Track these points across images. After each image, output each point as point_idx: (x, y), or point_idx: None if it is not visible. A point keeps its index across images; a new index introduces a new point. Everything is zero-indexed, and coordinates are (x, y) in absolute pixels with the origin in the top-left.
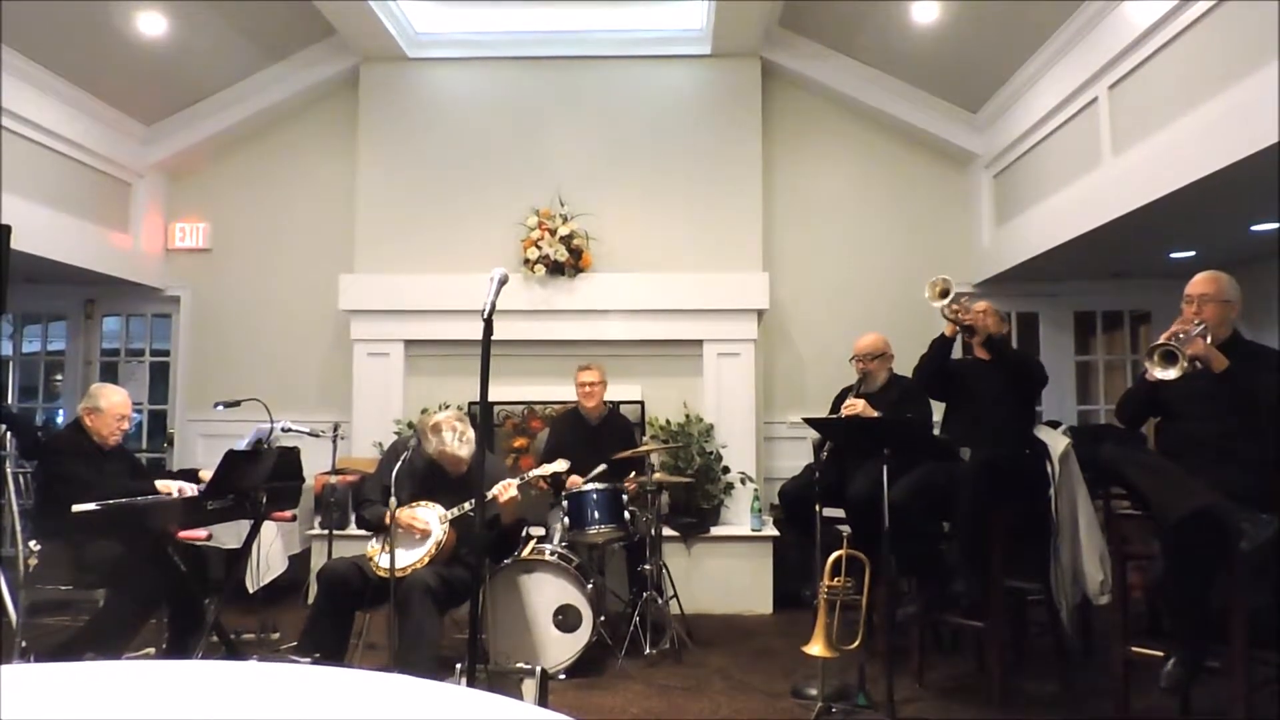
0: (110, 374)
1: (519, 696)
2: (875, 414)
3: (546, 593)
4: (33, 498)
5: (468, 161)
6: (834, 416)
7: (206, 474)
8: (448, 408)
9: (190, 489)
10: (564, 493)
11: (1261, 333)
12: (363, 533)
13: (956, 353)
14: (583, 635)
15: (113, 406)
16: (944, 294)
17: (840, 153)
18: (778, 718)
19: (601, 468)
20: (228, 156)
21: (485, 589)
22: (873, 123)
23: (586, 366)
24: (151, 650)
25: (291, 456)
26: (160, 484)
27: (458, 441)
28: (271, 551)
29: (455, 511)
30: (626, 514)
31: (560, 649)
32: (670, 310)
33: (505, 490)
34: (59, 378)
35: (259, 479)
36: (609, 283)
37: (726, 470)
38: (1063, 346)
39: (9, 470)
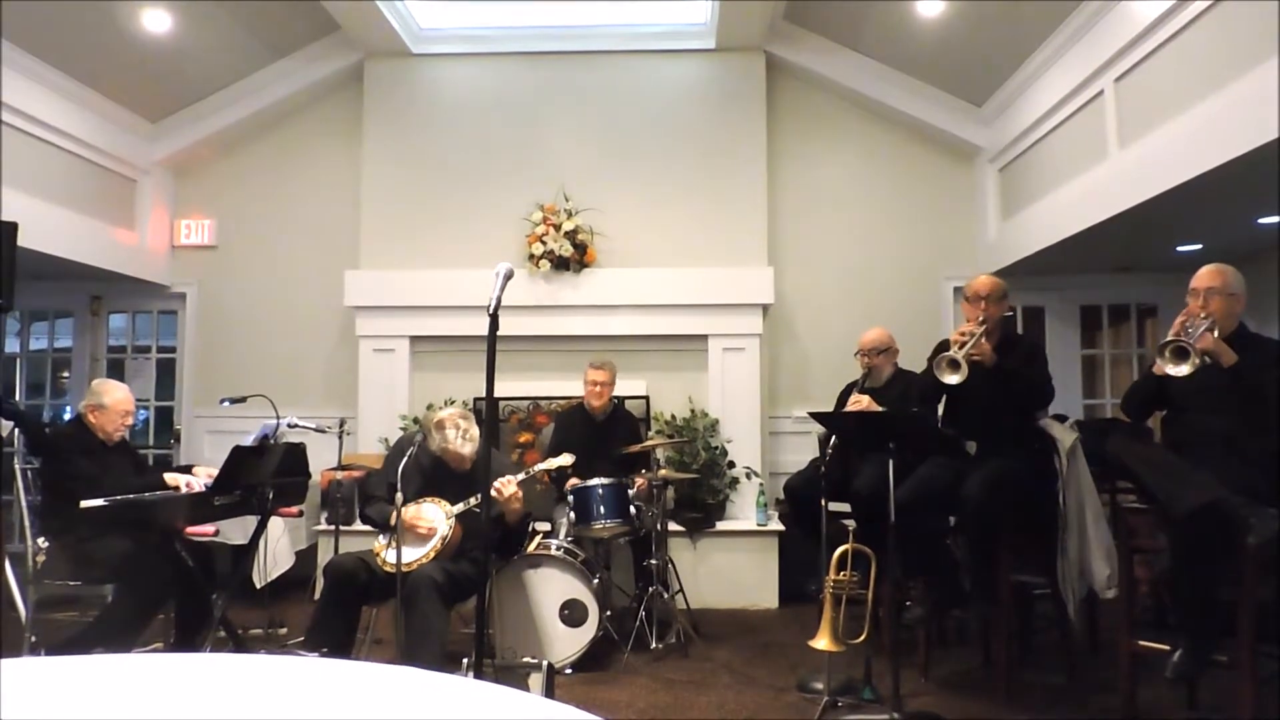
0: (116, 370)
1: (525, 691)
2: (880, 409)
3: (552, 588)
4: (40, 494)
5: (472, 157)
6: (839, 411)
7: (200, 470)
8: (452, 403)
9: (197, 483)
10: (568, 488)
11: (1264, 325)
12: (369, 528)
13: None
14: (589, 630)
15: (116, 403)
16: (954, 366)
17: (845, 147)
18: (783, 713)
19: (599, 480)
20: (233, 153)
21: (491, 584)
22: (877, 117)
23: (599, 366)
24: (159, 645)
25: (298, 452)
26: (169, 477)
27: (461, 439)
28: (278, 547)
29: (461, 507)
30: (632, 509)
31: (566, 644)
32: (675, 305)
33: (505, 487)
34: (65, 374)
35: (265, 475)
36: (614, 278)
37: (732, 465)
38: (1068, 340)
39: (17, 466)
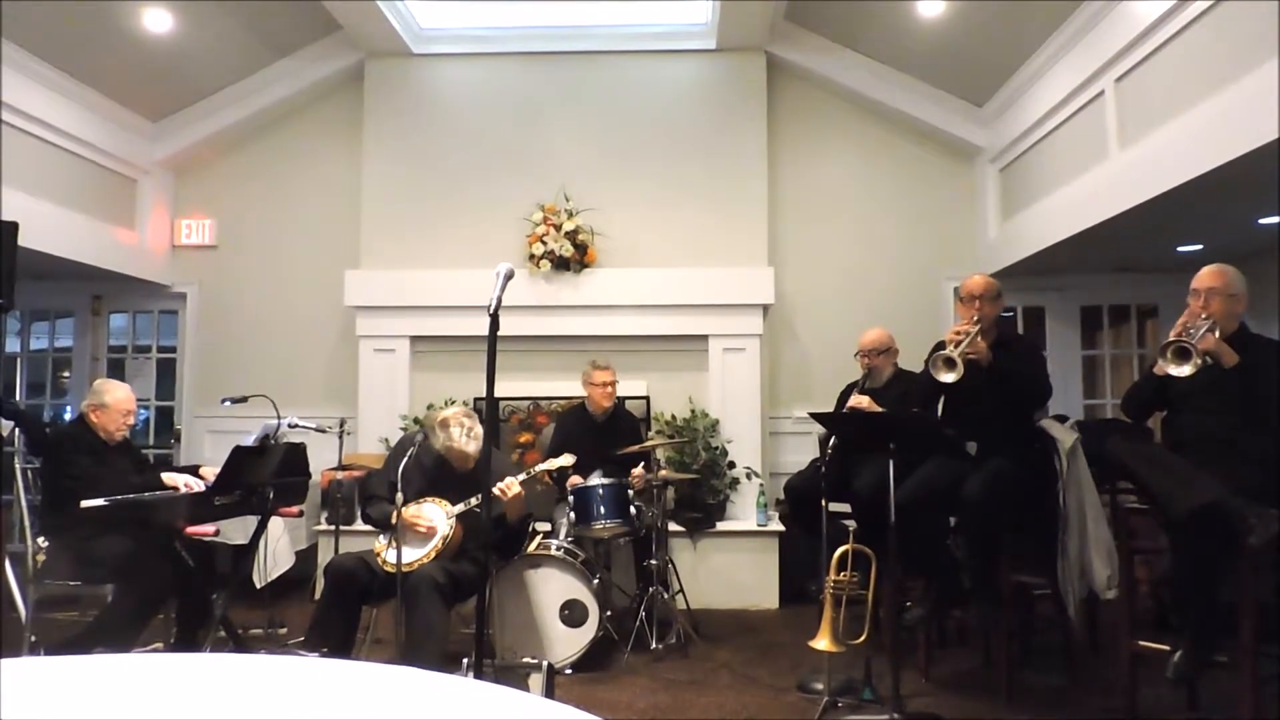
0: (117, 370)
1: (525, 692)
2: (879, 409)
3: (553, 588)
4: (40, 493)
5: (472, 157)
6: (839, 411)
7: (206, 470)
8: (453, 403)
9: (196, 482)
10: (569, 488)
11: (1264, 325)
12: (369, 528)
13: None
14: (589, 630)
15: (118, 402)
16: (950, 364)
17: (845, 147)
18: (783, 713)
19: (598, 475)
20: (233, 153)
21: (492, 584)
22: (878, 117)
23: (605, 366)
24: (160, 645)
25: (298, 452)
26: (167, 477)
27: (466, 438)
28: (279, 547)
29: (462, 507)
30: (632, 509)
31: (566, 644)
32: (675, 305)
33: (509, 488)
34: (66, 374)
35: (266, 475)
36: (614, 278)
37: (732, 465)
38: (1069, 341)
39: (17, 466)
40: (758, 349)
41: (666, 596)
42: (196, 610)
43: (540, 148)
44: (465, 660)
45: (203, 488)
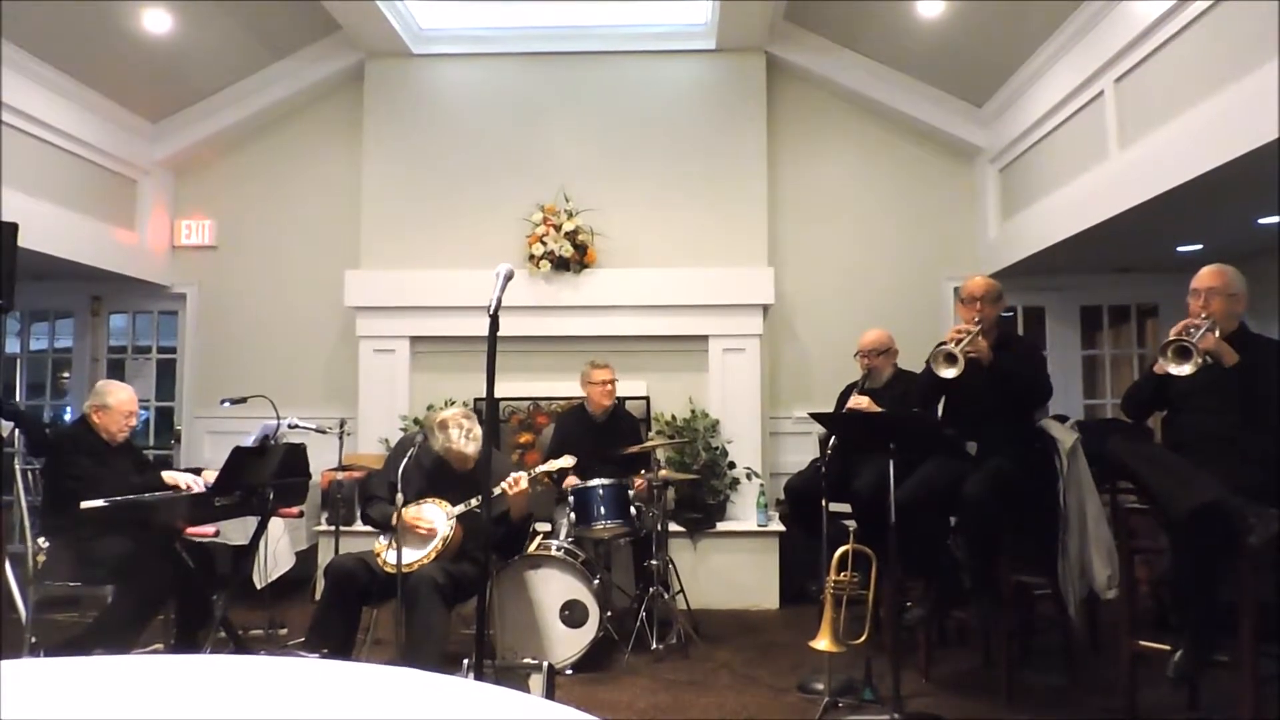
0: (117, 371)
1: (525, 692)
2: (879, 410)
3: (553, 588)
4: (41, 494)
5: (472, 157)
6: (839, 411)
7: (209, 474)
8: (453, 404)
9: (197, 482)
10: (568, 488)
11: (1264, 325)
12: (369, 528)
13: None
14: (589, 630)
15: (120, 403)
16: (951, 359)
17: (845, 147)
18: (784, 713)
19: (599, 481)
20: (233, 153)
21: (492, 585)
22: (878, 117)
23: (604, 365)
24: (160, 646)
25: (298, 453)
26: (168, 475)
27: (464, 439)
28: (279, 548)
29: (462, 508)
30: (632, 509)
31: (567, 644)
32: (675, 305)
33: (517, 483)
34: (66, 375)
35: (266, 475)
36: (614, 278)
37: (732, 465)
38: (1069, 341)
39: (17, 467)
40: (758, 349)
41: (667, 597)
42: (196, 611)
43: (540, 148)
44: (465, 661)
45: (203, 488)
